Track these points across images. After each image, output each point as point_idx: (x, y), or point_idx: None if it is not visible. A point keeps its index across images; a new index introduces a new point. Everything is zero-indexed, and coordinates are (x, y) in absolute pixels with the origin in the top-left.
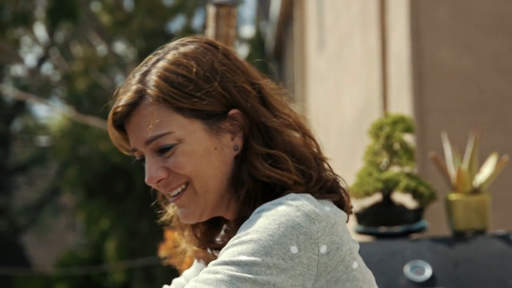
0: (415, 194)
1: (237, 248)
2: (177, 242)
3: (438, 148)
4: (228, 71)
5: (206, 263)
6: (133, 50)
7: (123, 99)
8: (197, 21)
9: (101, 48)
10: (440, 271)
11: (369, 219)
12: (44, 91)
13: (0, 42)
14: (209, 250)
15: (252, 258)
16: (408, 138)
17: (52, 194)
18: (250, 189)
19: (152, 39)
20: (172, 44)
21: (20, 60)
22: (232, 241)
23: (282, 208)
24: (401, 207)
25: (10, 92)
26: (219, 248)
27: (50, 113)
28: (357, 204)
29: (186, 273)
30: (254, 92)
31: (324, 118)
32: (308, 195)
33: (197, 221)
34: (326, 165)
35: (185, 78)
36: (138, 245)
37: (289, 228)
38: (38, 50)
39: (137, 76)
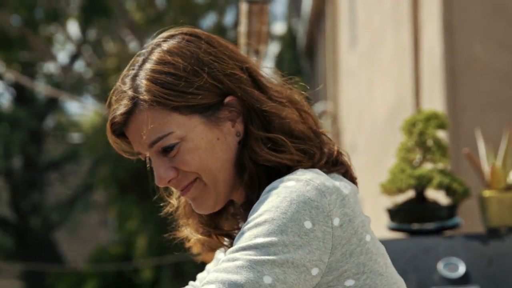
0: (449, 190)
1: (253, 231)
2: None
3: (471, 145)
4: (215, 59)
5: (213, 250)
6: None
7: (118, 109)
8: (228, 18)
9: (133, 45)
10: (473, 268)
11: (402, 216)
12: (76, 88)
13: (33, 39)
14: (214, 237)
15: (268, 239)
16: (441, 135)
17: (84, 190)
18: (253, 173)
19: None
20: (155, 41)
21: (53, 58)
22: (246, 224)
23: (291, 184)
24: (434, 204)
25: (43, 89)
26: (226, 234)
27: (83, 110)
28: (390, 201)
29: (208, 266)
30: (245, 76)
31: (357, 114)
32: (316, 170)
33: (212, 211)
34: (326, 138)
35: (174, 76)
36: (168, 242)
37: (301, 204)
38: (70, 47)
39: (127, 81)
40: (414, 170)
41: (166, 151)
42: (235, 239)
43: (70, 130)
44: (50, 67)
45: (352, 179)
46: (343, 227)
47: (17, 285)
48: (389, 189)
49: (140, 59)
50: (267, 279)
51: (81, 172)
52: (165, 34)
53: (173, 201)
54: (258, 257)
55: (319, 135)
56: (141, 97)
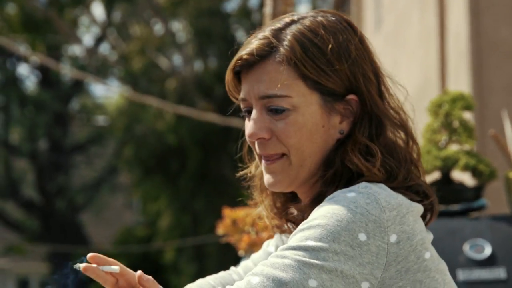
0: (475, 172)
1: (305, 233)
2: (254, 202)
3: (498, 126)
4: (360, 56)
5: (281, 232)
6: (190, 29)
7: (252, 48)
8: (253, 0)
9: (158, 28)
10: (500, 250)
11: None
12: (101, 70)
13: (59, 22)
14: (284, 221)
15: (320, 244)
16: (468, 116)
17: (109, 173)
18: (338, 172)
19: (209, 18)
20: (310, 12)
21: (78, 40)
22: (301, 226)
23: (352, 195)
24: (461, 185)
25: (68, 72)
26: (294, 222)
27: (107, 92)
28: None
29: (254, 256)
30: (375, 82)
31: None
32: (381, 184)
33: (282, 191)
34: (418, 172)
35: (320, 50)
36: (191, 224)
37: (358, 215)
38: (95, 30)
39: (271, 30)
40: (440, 152)
41: (275, 112)
42: (289, 237)
43: (95, 112)
44: (75, 50)
45: (433, 213)
46: (400, 244)
47: (43, 266)
48: None
49: (289, 18)
50: (312, 283)
51: (106, 155)
52: (323, 10)
53: (252, 168)
54: (307, 259)
55: (416, 168)
56: (281, 48)
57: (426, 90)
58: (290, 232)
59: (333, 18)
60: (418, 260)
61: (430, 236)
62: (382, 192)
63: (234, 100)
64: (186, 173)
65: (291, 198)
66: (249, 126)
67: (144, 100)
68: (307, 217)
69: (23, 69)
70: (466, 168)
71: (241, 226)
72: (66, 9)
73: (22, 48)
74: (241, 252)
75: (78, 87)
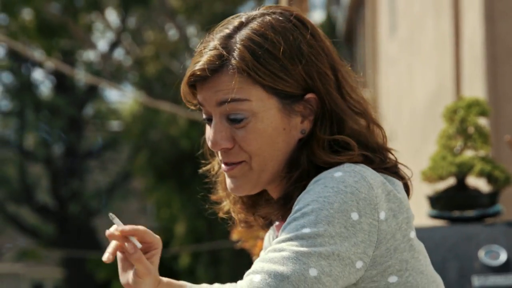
0: (490, 178)
1: (299, 221)
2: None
3: None
4: (314, 54)
5: (248, 227)
6: (204, 34)
7: (203, 62)
8: (267, 4)
9: (172, 33)
10: None
11: (442, 203)
12: (115, 76)
13: (73, 27)
14: (251, 216)
15: (315, 230)
16: (483, 122)
17: (123, 178)
18: (304, 172)
19: None
20: (257, 11)
21: (92, 45)
22: (294, 214)
23: (338, 175)
24: (476, 191)
25: (83, 77)
26: (264, 216)
27: (122, 97)
28: (430, 188)
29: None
30: (332, 77)
31: (396, 102)
32: (362, 164)
33: (244, 195)
34: (391, 155)
35: (271, 55)
36: (205, 229)
37: (349, 195)
38: (110, 35)
39: (219, 39)
40: (455, 158)
41: (235, 120)
42: (281, 228)
43: (110, 118)
44: (89, 55)
45: (408, 192)
46: (388, 221)
47: (57, 271)
48: (430, 176)
49: (237, 21)
50: (313, 272)
51: (120, 160)
52: (271, 6)
53: (216, 165)
54: (305, 249)
55: (384, 151)
56: (233, 61)
57: (441, 96)
58: (260, 226)
59: (281, 17)
60: (404, 238)
61: (412, 216)
62: (366, 170)
63: (192, 107)
64: (200, 178)
65: (259, 192)
66: (211, 135)
67: (158, 105)
68: (277, 213)
69: (38, 75)
70: (481, 174)
71: (256, 232)
72: (81, 15)
73: (37, 54)
74: (255, 258)
75: (93, 92)
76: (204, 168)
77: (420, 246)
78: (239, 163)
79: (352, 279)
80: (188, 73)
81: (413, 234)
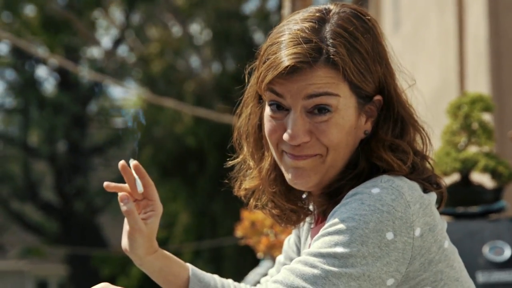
0: (494, 174)
1: (334, 237)
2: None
3: None
4: (389, 59)
5: (279, 221)
6: (208, 31)
7: (302, 54)
8: (271, 2)
9: (176, 30)
10: None
11: (447, 199)
12: (119, 73)
13: (77, 24)
14: (288, 212)
15: (348, 250)
16: (487, 118)
17: None
18: (360, 171)
19: (227, 20)
20: (346, 9)
21: (96, 42)
22: (328, 228)
23: (376, 192)
24: (480, 187)
25: (87, 74)
26: (297, 211)
27: (126, 94)
28: None
29: (271, 271)
30: (396, 81)
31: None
32: (401, 176)
33: (306, 189)
34: (429, 166)
35: (360, 54)
36: (208, 226)
37: (385, 214)
38: (114, 32)
39: (310, 31)
40: (459, 153)
41: (319, 112)
42: (314, 238)
43: (114, 114)
44: (93, 52)
45: (441, 203)
46: (423, 236)
47: (62, 269)
48: None
49: (317, 15)
50: None
51: (124, 157)
52: (352, 6)
53: (248, 158)
54: (336, 269)
55: (425, 159)
56: (331, 55)
57: (445, 92)
58: (290, 222)
59: (363, 20)
60: (439, 250)
61: (445, 224)
62: (404, 185)
63: (261, 92)
64: (204, 175)
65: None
66: (290, 128)
67: (162, 102)
68: (318, 206)
69: (41, 71)
70: (485, 170)
71: (260, 228)
72: (85, 12)
73: (40, 51)
74: (259, 255)
75: (97, 89)
76: (232, 162)
77: (454, 254)
78: (313, 155)
79: None
80: (278, 63)
81: (446, 244)
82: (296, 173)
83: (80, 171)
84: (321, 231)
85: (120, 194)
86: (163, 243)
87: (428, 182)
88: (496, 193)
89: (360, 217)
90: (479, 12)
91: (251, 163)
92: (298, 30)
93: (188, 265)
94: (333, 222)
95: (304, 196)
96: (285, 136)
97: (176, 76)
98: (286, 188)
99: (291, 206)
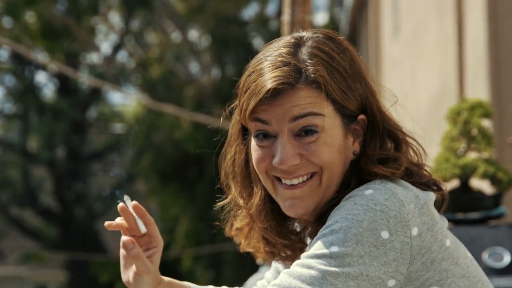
0: (494, 180)
1: (328, 238)
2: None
3: None
4: (368, 77)
5: (273, 258)
6: (207, 37)
7: (281, 77)
8: (270, 8)
9: (176, 35)
10: None
11: (446, 205)
12: (119, 78)
13: (76, 30)
14: (278, 247)
15: (344, 249)
16: (486, 124)
17: (127, 181)
18: (351, 189)
19: (226, 26)
20: (319, 34)
21: (95, 48)
22: (323, 230)
23: (369, 193)
24: (479, 193)
25: (86, 79)
26: (289, 246)
27: (125, 100)
28: None
29: (267, 275)
30: (377, 98)
31: (399, 103)
32: (395, 179)
33: (302, 216)
34: (427, 173)
35: (339, 72)
36: (207, 232)
37: (378, 213)
38: (113, 38)
39: (287, 54)
40: (459, 159)
41: (306, 133)
42: (310, 244)
43: (113, 120)
44: (93, 58)
45: (443, 203)
46: (421, 236)
47: (61, 274)
48: None
49: (292, 41)
50: None
51: (124, 162)
52: (324, 30)
53: (237, 197)
54: (333, 269)
55: (420, 166)
56: (310, 74)
57: (444, 98)
58: (283, 257)
59: (339, 40)
60: (441, 249)
61: (445, 223)
62: (398, 186)
63: (246, 123)
64: (203, 181)
65: (284, 218)
66: (279, 153)
67: (162, 108)
68: (312, 232)
69: (41, 77)
70: (484, 176)
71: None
72: (84, 17)
73: (40, 56)
74: (259, 261)
75: (96, 95)
76: (220, 203)
77: (458, 251)
78: (308, 179)
79: None
80: (260, 88)
81: (448, 242)
82: (293, 203)
83: (80, 177)
84: (317, 234)
85: (124, 239)
86: (163, 248)
87: (426, 185)
88: (496, 199)
89: (353, 216)
90: (479, 17)
91: (241, 202)
92: (275, 56)
93: (189, 284)
94: (328, 224)
95: (298, 229)
96: (275, 161)
97: (176, 81)
98: (278, 223)
99: (284, 241)
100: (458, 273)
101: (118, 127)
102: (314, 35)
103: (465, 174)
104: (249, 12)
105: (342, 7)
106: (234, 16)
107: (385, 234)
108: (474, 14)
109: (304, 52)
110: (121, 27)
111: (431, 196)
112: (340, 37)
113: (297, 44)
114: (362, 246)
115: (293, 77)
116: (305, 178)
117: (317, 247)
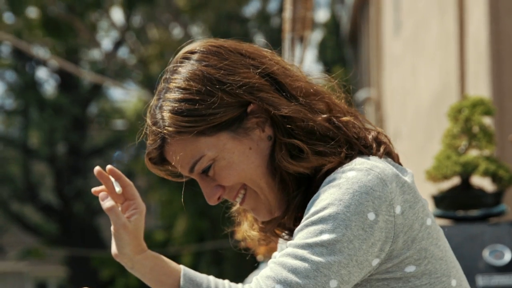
0: (495, 177)
1: (318, 226)
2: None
3: None
4: (227, 73)
5: (266, 245)
6: (208, 33)
7: (151, 145)
8: (272, 5)
9: (177, 32)
10: None
11: (447, 203)
12: (120, 74)
13: (78, 26)
14: (269, 233)
15: (334, 236)
16: (487, 121)
17: (127, 177)
18: (284, 177)
19: (227, 23)
20: (171, 66)
21: (97, 44)
22: (311, 217)
23: (352, 175)
24: (480, 191)
25: (87, 75)
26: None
27: (126, 96)
28: (435, 188)
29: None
30: (262, 81)
31: (400, 101)
32: (373, 157)
33: (270, 218)
34: (359, 123)
35: (191, 101)
36: (207, 228)
37: (363, 195)
38: (114, 34)
39: (154, 114)
40: (460, 157)
41: (205, 172)
42: (297, 229)
43: (114, 116)
44: (94, 54)
45: (395, 156)
46: (404, 214)
47: (61, 270)
48: (434, 175)
49: (163, 86)
50: (333, 283)
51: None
52: (180, 54)
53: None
54: (326, 259)
55: (350, 126)
56: (165, 131)
57: (445, 95)
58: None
59: (189, 62)
60: (421, 227)
61: (427, 203)
62: (378, 165)
63: (177, 179)
64: None
65: None
66: (204, 195)
67: None
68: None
69: (42, 73)
70: (485, 173)
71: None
72: (86, 13)
73: (41, 52)
74: (260, 257)
75: (97, 91)
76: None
77: (439, 232)
78: (245, 193)
79: (366, 275)
80: (146, 159)
81: (429, 221)
82: (254, 213)
83: (80, 172)
84: (304, 221)
85: (100, 193)
86: (163, 245)
87: (387, 154)
88: (497, 197)
89: (340, 201)
90: (480, 15)
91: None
92: (148, 114)
93: (180, 265)
94: (315, 211)
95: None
96: (208, 202)
97: None
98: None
99: (263, 235)
100: (436, 254)
101: (118, 123)
102: (176, 70)
103: (466, 171)
104: (251, 9)
105: (343, 4)
106: (236, 12)
107: (371, 216)
108: (476, 12)
109: (165, 104)
110: (122, 23)
111: (410, 175)
112: (199, 49)
113: (165, 92)
114: (351, 230)
115: (157, 142)
116: (241, 194)
117: (307, 235)
